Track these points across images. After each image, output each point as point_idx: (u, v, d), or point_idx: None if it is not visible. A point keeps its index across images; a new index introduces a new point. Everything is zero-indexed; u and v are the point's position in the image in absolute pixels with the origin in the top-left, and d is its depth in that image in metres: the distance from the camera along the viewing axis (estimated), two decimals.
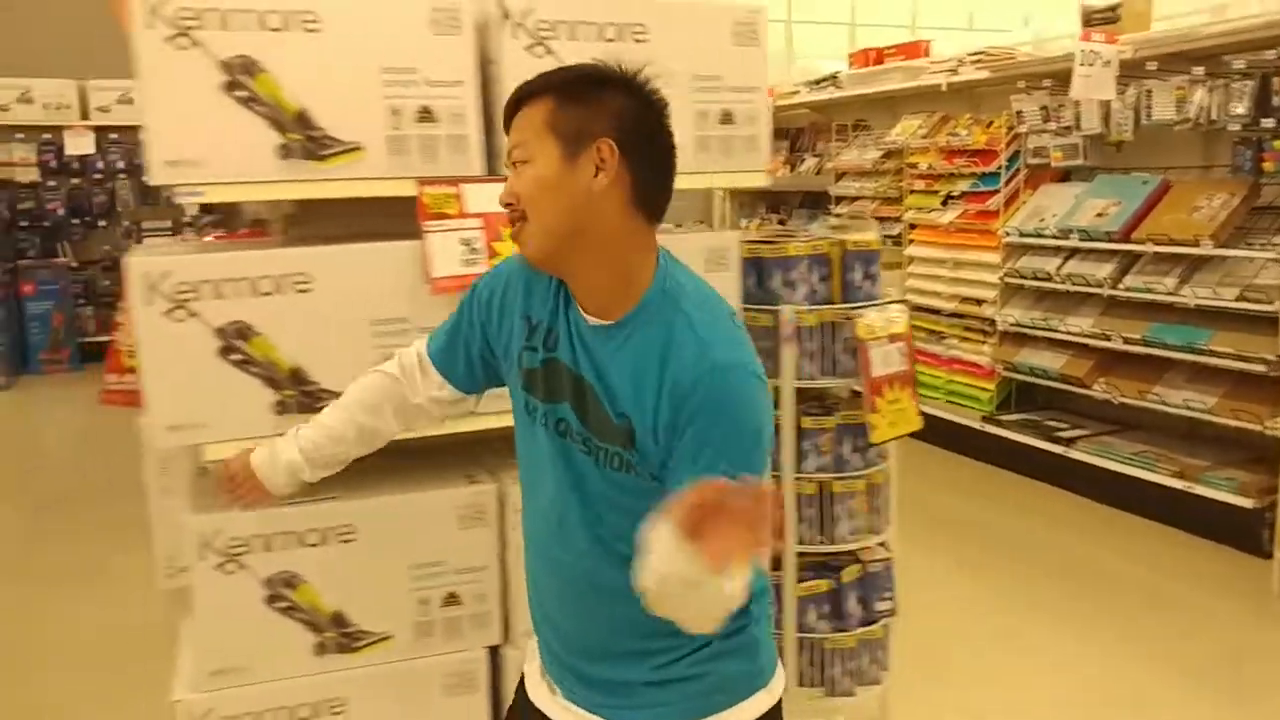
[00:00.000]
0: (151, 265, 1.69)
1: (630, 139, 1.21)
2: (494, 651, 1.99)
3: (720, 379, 1.19)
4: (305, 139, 1.75)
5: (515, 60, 1.84)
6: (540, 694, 1.41)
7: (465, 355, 1.44)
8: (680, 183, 1.29)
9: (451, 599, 1.95)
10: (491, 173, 1.88)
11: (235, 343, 1.75)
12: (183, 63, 1.67)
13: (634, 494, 1.24)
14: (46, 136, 8.00)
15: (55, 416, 6.96)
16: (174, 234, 8.21)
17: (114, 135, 8.18)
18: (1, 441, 6.30)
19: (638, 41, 1.92)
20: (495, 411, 1.73)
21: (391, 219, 1.92)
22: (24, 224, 8.00)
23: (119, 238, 8.40)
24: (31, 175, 8.01)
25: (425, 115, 1.82)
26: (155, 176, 1.68)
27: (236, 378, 1.76)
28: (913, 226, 5.50)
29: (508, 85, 1.80)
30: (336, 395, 1.78)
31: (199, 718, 1.82)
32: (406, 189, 1.82)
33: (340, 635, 1.89)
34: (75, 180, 8.14)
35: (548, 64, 1.83)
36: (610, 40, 1.90)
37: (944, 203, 5.29)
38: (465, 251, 1.83)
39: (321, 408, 1.77)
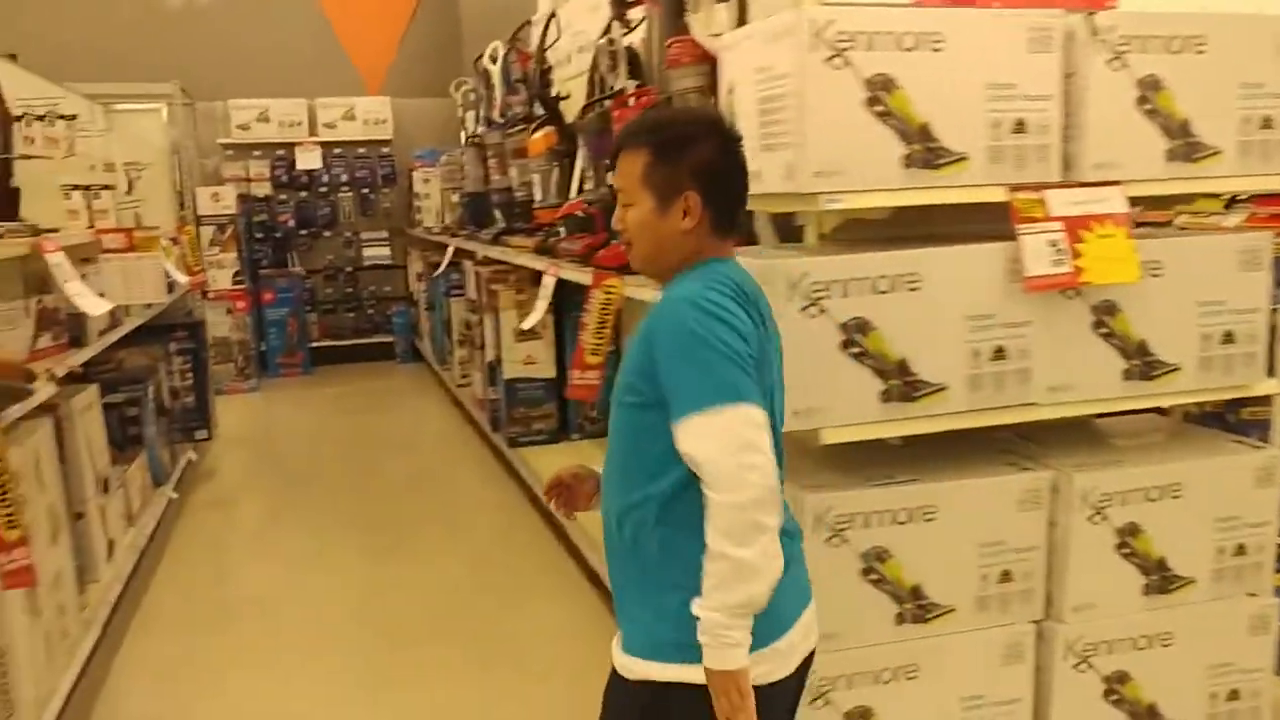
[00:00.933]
0: (794, 266, 1.88)
1: (710, 187, 1.52)
2: (1037, 625, 2.13)
3: (676, 308, 1.45)
4: (924, 150, 1.92)
5: (1097, 74, 1.98)
6: None
7: None
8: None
9: (1005, 576, 2.09)
10: (1068, 179, 2.02)
11: (855, 337, 1.92)
12: (835, 81, 1.85)
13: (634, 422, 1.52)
14: (280, 153, 8.50)
15: (319, 412, 7.35)
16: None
17: (337, 150, 8.64)
18: (301, 435, 6.72)
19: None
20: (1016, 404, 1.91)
21: (939, 223, 2.08)
22: (259, 235, 8.50)
23: (340, 247, 8.86)
24: (265, 189, 8.52)
25: (1019, 127, 1.97)
26: (804, 185, 1.87)
27: (852, 369, 1.93)
28: None
29: (1089, 97, 1.96)
30: (936, 386, 1.96)
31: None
32: (999, 195, 1.98)
33: (916, 606, 2.05)
34: (303, 193, 8.63)
35: (1124, 78, 1.98)
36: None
37: None
38: (1052, 252, 1.97)
39: (920, 397, 1.95)
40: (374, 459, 5.85)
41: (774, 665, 1.51)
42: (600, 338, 2.86)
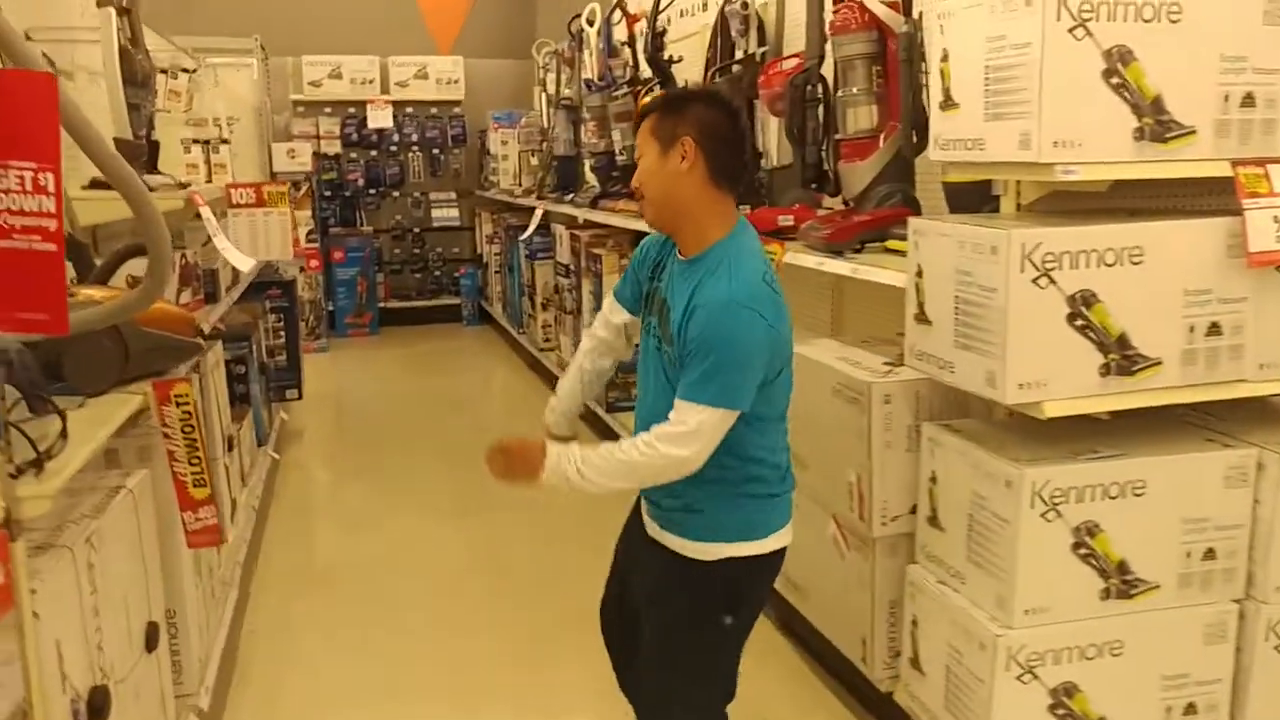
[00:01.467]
0: (1029, 237, 1.85)
1: (704, 137, 1.81)
2: (1239, 605, 2.11)
3: (723, 313, 1.74)
4: (1155, 123, 1.89)
5: None
6: (641, 513, 2.07)
7: (634, 286, 2.07)
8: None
9: (1209, 554, 2.08)
10: None
11: (1081, 309, 1.90)
12: (1076, 51, 1.82)
13: (675, 381, 1.81)
14: (351, 110, 8.48)
15: (393, 373, 7.39)
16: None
17: (409, 109, 8.61)
18: (379, 396, 6.76)
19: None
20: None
21: (1133, 198, 2.05)
22: (327, 194, 8.51)
23: (408, 208, 8.86)
24: (334, 148, 8.51)
25: (1248, 101, 1.93)
26: (1042, 155, 1.84)
27: (1075, 342, 1.91)
28: None
29: None
30: (1152, 361, 1.94)
31: (1015, 652, 2.00)
32: (1223, 170, 1.94)
33: (1122, 582, 2.04)
34: (372, 152, 8.62)
35: None
36: None
37: None
38: (1277, 228, 1.93)
39: (1137, 371, 1.93)
40: (455, 420, 5.90)
41: (783, 540, 1.98)
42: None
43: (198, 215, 3.02)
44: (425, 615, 3.36)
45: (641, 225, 4.27)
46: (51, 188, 1.44)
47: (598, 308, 5.04)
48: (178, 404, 2.19)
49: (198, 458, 2.27)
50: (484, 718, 2.80)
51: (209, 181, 4.00)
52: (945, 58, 2.08)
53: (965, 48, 2.01)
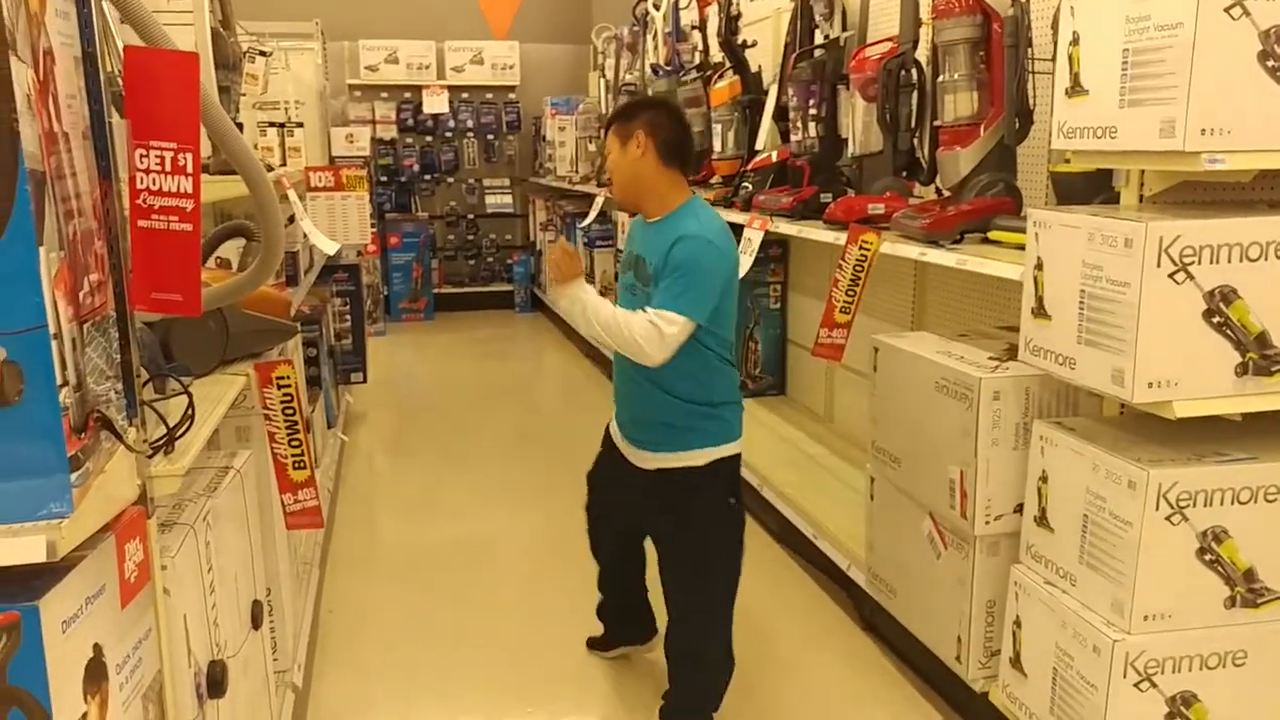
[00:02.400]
0: (1166, 229, 1.78)
1: (653, 130, 2.40)
2: None
3: (696, 243, 2.30)
4: None
5: None
6: (615, 436, 2.62)
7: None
8: None
9: None
10: None
11: (1219, 306, 1.83)
12: (1232, 32, 1.73)
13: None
14: (406, 95, 8.49)
15: (451, 357, 7.41)
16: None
17: (464, 95, 8.61)
18: (440, 380, 6.78)
19: None
20: None
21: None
22: (382, 179, 8.53)
23: (462, 194, 8.86)
24: (390, 133, 8.53)
25: None
26: (1188, 143, 1.76)
27: (1211, 340, 1.84)
28: None
29: None
30: None
31: (1133, 658, 1.94)
32: None
33: (1248, 590, 1.97)
34: (427, 138, 8.62)
35: None
36: None
37: None
38: None
39: (1277, 372, 1.85)
40: (513, 406, 5.89)
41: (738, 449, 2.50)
42: (852, 295, 2.79)
43: (283, 198, 3.02)
44: (497, 599, 3.35)
45: (732, 216, 4.24)
46: (190, 168, 1.42)
47: None
48: (279, 386, 2.19)
49: (298, 440, 2.27)
50: (560, 703, 2.78)
51: (283, 165, 4.01)
52: (1075, 41, 2.01)
53: (1100, 30, 1.93)
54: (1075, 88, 2.01)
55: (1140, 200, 2.14)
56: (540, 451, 4.93)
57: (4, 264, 1.02)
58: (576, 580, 3.30)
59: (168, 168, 1.41)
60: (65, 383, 1.09)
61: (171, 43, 1.46)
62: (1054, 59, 2.58)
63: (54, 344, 1.06)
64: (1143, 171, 2.09)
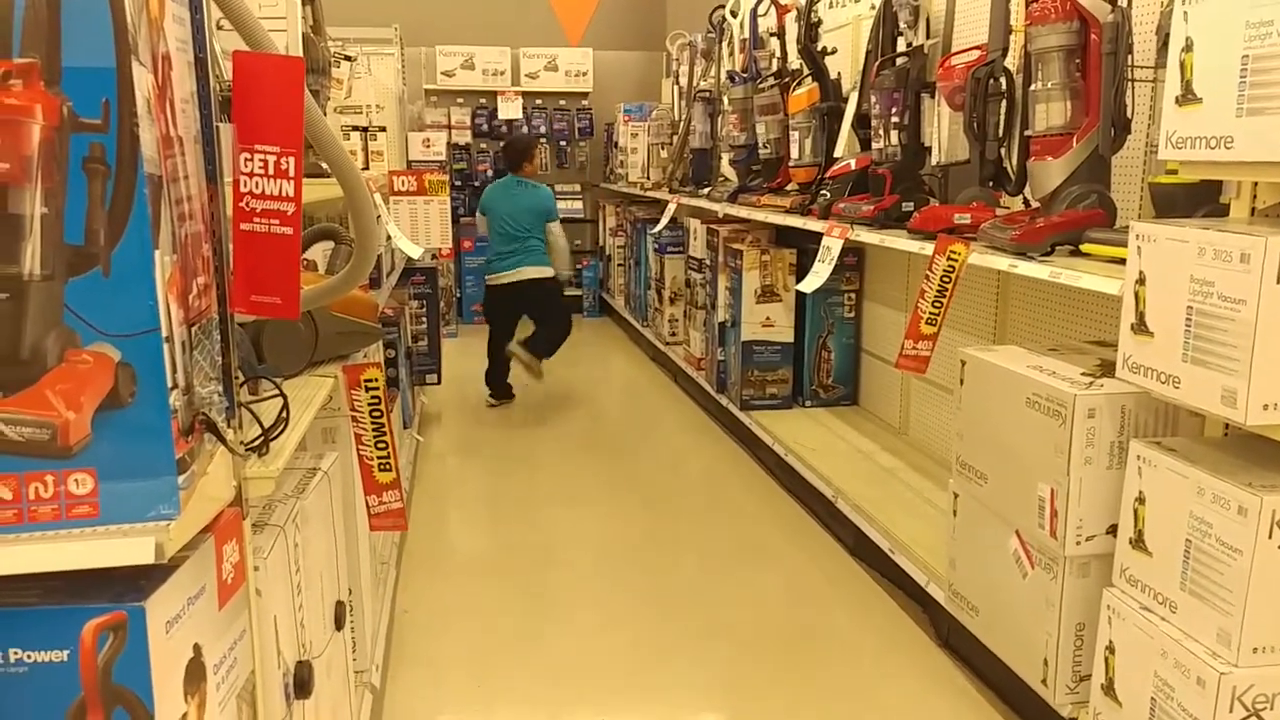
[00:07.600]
0: None
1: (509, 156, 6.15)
2: None
3: (548, 194, 6.03)
4: None
5: None
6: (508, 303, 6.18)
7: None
8: None
9: None
10: None
11: None
12: None
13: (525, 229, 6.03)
14: (481, 101, 8.58)
15: None
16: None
17: (538, 101, 8.67)
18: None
19: None
20: None
21: None
22: (457, 184, 8.63)
23: None
24: (465, 138, 8.63)
25: None
26: None
27: None
28: None
29: None
30: None
31: (1241, 692, 1.85)
32: None
33: None
34: (501, 143, 8.69)
35: None
36: None
37: None
38: None
39: None
40: (582, 407, 5.89)
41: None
42: (938, 307, 2.73)
43: None
44: (568, 600, 3.35)
45: (780, 219, 4.24)
46: (293, 172, 1.43)
47: (733, 303, 5.02)
48: (367, 388, 2.21)
49: (384, 442, 2.28)
50: (633, 705, 2.76)
51: (366, 168, 4.06)
52: (1189, 47, 1.93)
53: (1217, 36, 1.86)
54: (1187, 96, 1.93)
55: (1252, 213, 2.05)
56: (607, 454, 4.94)
57: (121, 267, 1.03)
58: (645, 582, 3.29)
59: (271, 171, 1.42)
60: (175, 385, 1.10)
61: (275, 47, 1.48)
62: (1155, 67, 2.51)
63: (165, 347, 1.07)
64: (1255, 183, 2.00)
